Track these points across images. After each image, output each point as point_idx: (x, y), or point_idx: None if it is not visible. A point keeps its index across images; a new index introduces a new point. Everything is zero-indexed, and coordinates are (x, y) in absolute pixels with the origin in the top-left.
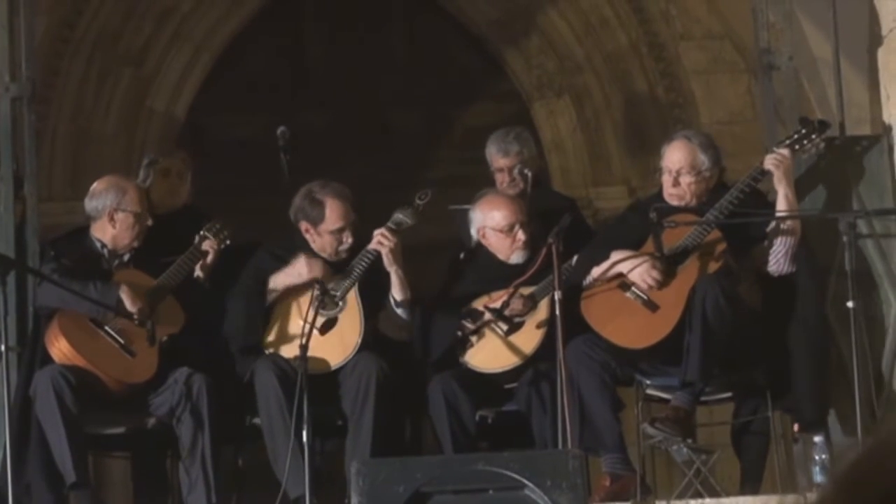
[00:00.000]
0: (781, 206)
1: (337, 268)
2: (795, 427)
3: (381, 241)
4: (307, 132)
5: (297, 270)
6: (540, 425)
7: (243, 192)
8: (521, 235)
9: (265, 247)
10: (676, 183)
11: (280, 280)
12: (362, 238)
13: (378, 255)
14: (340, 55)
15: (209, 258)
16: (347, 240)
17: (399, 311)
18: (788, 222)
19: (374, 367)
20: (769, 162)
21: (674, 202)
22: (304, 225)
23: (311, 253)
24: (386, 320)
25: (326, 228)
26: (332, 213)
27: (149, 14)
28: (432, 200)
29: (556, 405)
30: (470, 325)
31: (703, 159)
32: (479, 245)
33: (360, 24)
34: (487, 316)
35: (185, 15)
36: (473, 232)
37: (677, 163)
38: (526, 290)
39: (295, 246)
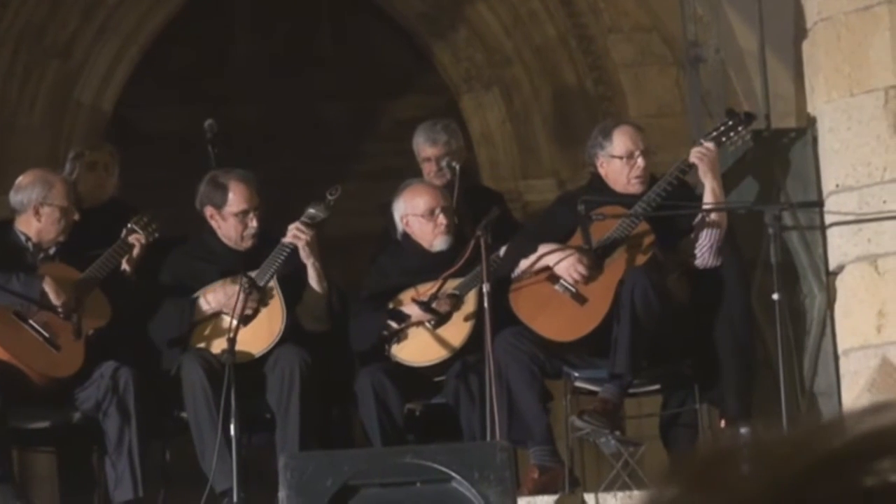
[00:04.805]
0: (708, 199)
1: (246, 257)
2: (721, 422)
3: (297, 234)
4: (235, 125)
5: (218, 297)
6: (468, 418)
7: (171, 186)
8: (441, 220)
9: (178, 249)
10: (633, 166)
11: (205, 305)
12: (280, 230)
13: (294, 248)
14: (268, 48)
15: (135, 252)
16: (252, 223)
17: (317, 301)
18: (713, 216)
19: (296, 359)
20: (693, 155)
21: (636, 187)
22: (208, 210)
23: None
24: (304, 313)
25: (230, 211)
26: (236, 196)
27: (75, 7)
28: (361, 194)
29: (484, 398)
30: (396, 325)
31: (647, 139)
32: (406, 236)
33: (288, 16)
34: (416, 313)
35: (111, 7)
36: (398, 221)
37: (632, 146)
38: (453, 283)
39: (206, 244)
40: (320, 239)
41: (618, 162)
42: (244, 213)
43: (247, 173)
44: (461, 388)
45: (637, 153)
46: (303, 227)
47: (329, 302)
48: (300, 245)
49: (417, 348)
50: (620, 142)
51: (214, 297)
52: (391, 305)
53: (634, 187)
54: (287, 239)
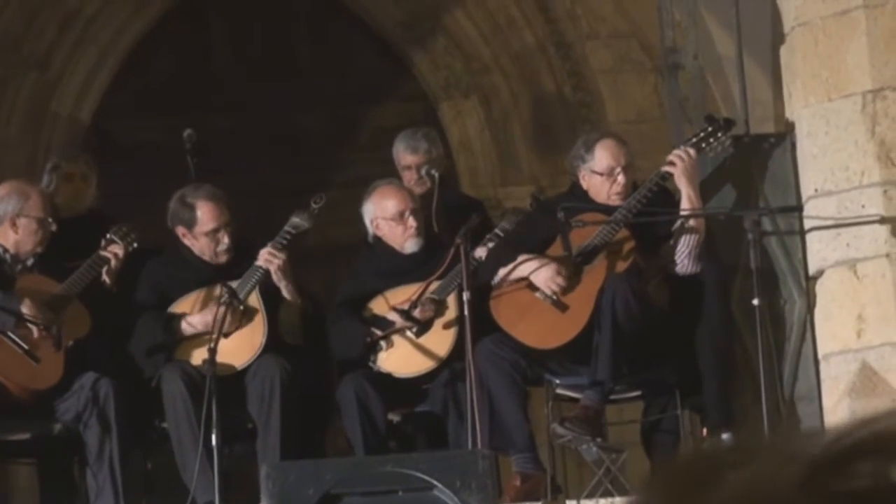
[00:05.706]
0: (685, 205)
1: (221, 272)
2: (703, 431)
3: (269, 258)
4: (214, 135)
5: (204, 320)
6: (455, 427)
7: (150, 196)
8: (411, 222)
9: (156, 259)
10: (614, 182)
11: (189, 329)
12: (260, 241)
13: (267, 271)
14: (246, 57)
15: (114, 262)
16: (224, 240)
17: (291, 318)
18: (692, 222)
19: (276, 368)
20: (667, 160)
21: (616, 202)
22: (180, 230)
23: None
24: (282, 327)
25: (201, 231)
26: (205, 215)
27: (52, 18)
28: (341, 203)
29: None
30: (379, 333)
31: (630, 152)
32: (378, 239)
33: (266, 25)
34: (398, 321)
35: (89, 18)
36: (368, 225)
37: (613, 162)
38: (432, 287)
39: (183, 255)
40: (302, 248)
41: (598, 177)
42: (214, 231)
43: (215, 190)
44: (449, 398)
45: (618, 170)
46: (274, 252)
47: (303, 318)
48: (272, 269)
49: (403, 359)
50: (602, 157)
51: (200, 320)
52: (365, 313)
53: (614, 201)
54: (259, 262)
